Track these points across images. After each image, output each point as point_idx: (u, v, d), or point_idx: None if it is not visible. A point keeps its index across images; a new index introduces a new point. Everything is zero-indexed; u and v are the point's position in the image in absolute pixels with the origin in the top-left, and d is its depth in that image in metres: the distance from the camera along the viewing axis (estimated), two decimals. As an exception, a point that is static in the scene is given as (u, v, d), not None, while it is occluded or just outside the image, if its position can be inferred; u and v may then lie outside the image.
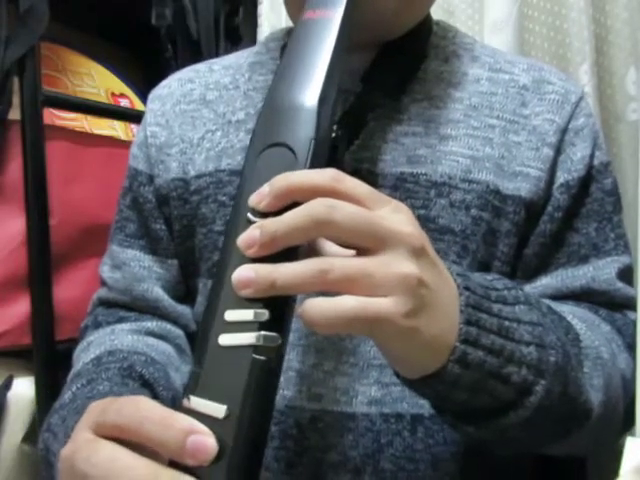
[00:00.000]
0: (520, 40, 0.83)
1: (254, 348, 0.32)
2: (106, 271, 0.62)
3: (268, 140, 0.36)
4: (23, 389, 0.80)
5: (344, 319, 0.32)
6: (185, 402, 0.33)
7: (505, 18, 0.81)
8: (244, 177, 0.36)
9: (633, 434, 0.44)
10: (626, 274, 0.55)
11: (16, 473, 0.80)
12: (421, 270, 0.33)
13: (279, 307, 0.33)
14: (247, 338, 0.32)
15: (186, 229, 0.58)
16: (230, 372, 0.32)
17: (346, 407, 0.51)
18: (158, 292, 0.59)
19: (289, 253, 0.33)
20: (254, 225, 0.33)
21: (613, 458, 0.40)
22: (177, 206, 0.58)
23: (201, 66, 0.64)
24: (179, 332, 0.61)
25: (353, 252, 0.34)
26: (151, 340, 0.58)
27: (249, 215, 0.34)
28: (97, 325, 0.60)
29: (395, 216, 0.34)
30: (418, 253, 0.34)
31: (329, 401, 0.51)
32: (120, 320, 0.60)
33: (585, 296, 0.54)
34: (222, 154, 0.56)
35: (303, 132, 0.36)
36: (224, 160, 0.56)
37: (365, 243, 0.33)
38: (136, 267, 0.60)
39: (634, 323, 0.52)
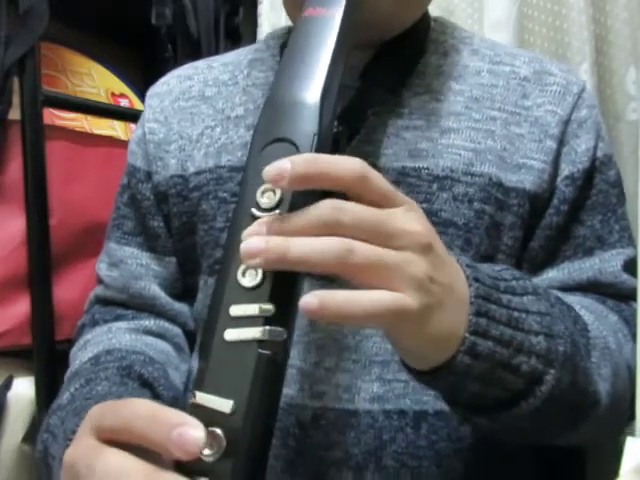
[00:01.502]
0: (520, 40, 0.83)
1: (259, 343, 0.32)
2: (103, 269, 0.62)
3: (271, 135, 0.36)
4: (23, 389, 0.79)
5: (366, 311, 0.31)
6: (191, 398, 0.32)
7: (505, 18, 0.81)
8: (247, 173, 0.36)
9: (633, 434, 0.44)
10: (631, 266, 0.55)
11: (16, 473, 0.79)
12: (430, 267, 0.34)
13: (284, 302, 0.33)
14: (252, 333, 0.32)
15: (186, 226, 0.58)
16: (236, 367, 0.32)
17: (348, 404, 0.50)
18: (155, 290, 0.59)
19: None
20: (259, 221, 0.32)
21: (613, 458, 0.40)
22: (176, 203, 0.58)
23: (200, 63, 0.64)
24: (177, 330, 0.60)
25: None
26: (149, 339, 0.57)
27: (253, 210, 0.34)
28: (94, 323, 0.60)
29: (406, 215, 0.34)
30: (426, 250, 0.34)
31: (331, 398, 0.50)
32: (117, 318, 0.59)
33: (592, 288, 0.54)
34: (222, 150, 0.56)
35: (306, 127, 0.36)
36: (224, 156, 0.56)
37: (374, 241, 0.33)
38: (133, 265, 0.60)
39: None
